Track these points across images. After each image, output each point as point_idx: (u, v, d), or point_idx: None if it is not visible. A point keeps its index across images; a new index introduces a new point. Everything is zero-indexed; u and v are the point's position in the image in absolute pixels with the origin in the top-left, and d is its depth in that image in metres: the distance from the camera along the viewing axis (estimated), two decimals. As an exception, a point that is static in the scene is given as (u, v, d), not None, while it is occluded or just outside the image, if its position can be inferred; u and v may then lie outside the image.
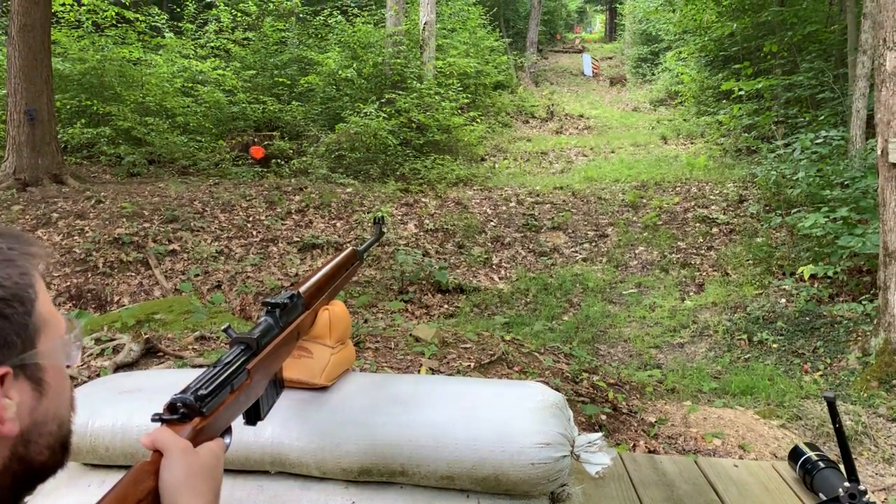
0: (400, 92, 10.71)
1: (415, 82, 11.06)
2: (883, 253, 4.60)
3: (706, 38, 11.88)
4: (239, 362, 0.91)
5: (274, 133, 10.51)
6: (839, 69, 9.08)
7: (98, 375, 3.20)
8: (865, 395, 4.23)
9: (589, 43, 28.45)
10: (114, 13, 11.13)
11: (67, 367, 0.69)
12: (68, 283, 5.72)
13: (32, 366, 0.63)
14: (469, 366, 3.68)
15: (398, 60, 11.34)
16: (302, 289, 1.19)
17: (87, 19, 10.97)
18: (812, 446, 1.71)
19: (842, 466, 1.52)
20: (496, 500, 1.25)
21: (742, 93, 9.04)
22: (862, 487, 1.43)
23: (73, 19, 10.91)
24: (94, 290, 5.74)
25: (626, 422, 3.70)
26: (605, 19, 34.64)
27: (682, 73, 14.13)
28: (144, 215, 6.86)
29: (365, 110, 10.01)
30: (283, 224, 7.30)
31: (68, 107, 10.06)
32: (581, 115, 16.08)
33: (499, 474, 1.20)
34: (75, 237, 6.34)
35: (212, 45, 12.71)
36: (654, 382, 4.59)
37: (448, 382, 1.53)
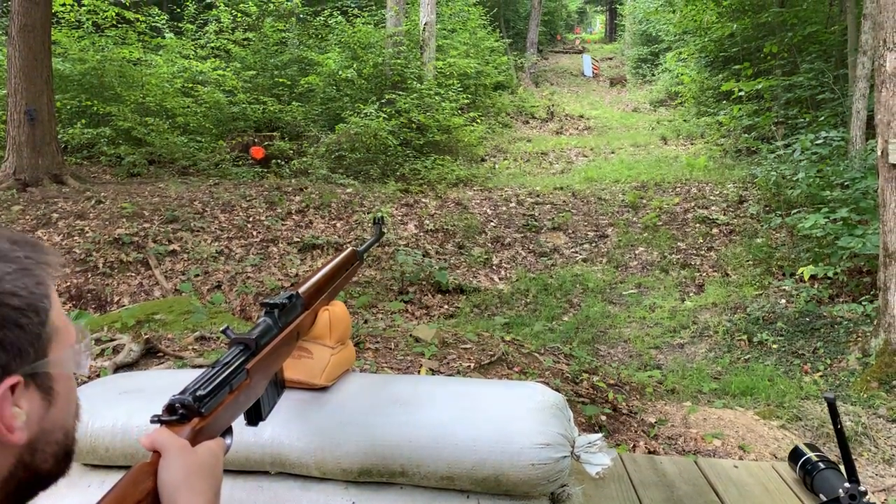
0: (400, 92, 10.71)
1: (415, 83, 11.06)
2: (883, 254, 4.60)
3: (706, 39, 11.88)
4: (238, 363, 0.91)
5: (274, 133, 10.51)
6: (839, 70, 9.08)
7: (98, 376, 3.20)
8: (865, 395, 4.23)
9: (589, 43, 28.47)
10: (114, 13, 11.13)
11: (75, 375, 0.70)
12: (68, 284, 5.72)
13: (43, 375, 0.63)
14: (469, 366, 3.68)
15: (398, 61, 11.34)
16: (301, 289, 1.19)
17: (88, 19, 10.96)
18: (812, 447, 1.71)
19: (842, 467, 1.52)
20: (496, 500, 1.25)
21: (742, 93, 9.04)
22: (862, 488, 1.43)
23: (73, 19, 10.91)
24: (94, 291, 5.74)
25: (626, 422, 3.70)
26: (605, 20, 34.65)
27: (682, 74, 14.14)
28: (144, 215, 6.86)
29: (365, 111, 10.01)
30: (283, 224, 7.30)
31: (68, 107, 10.06)
32: (581, 116, 16.09)
33: (499, 475, 1.20)
34: (75, 237, 6.34)
35: (212, 45, 12.71)
36: (654, 383, 4.59)
37: (448, 383, 1.53)
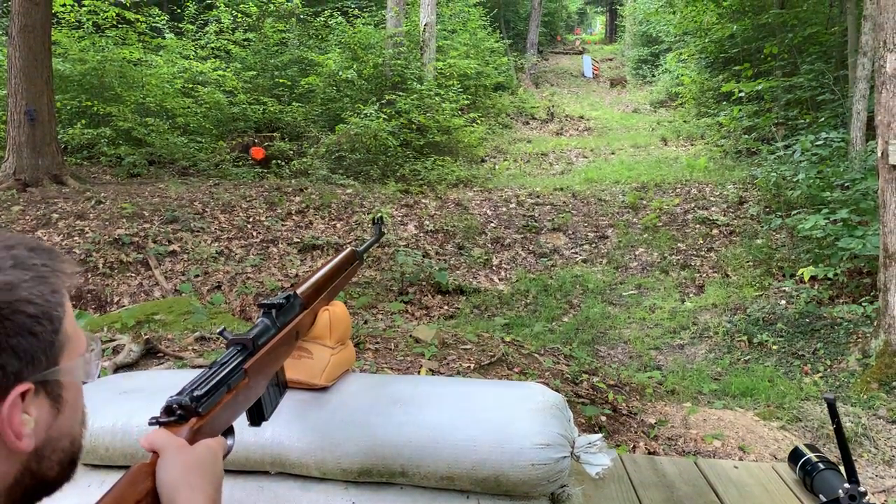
0: (400, 93, 10.71)
1: (415, 83, 11.06)
2: (883, 255, 4.60)
3: (706, 40, 11.88)
4: (235, 363, 0.91)
5: (274, 134, 10.51)
6: (839, 71, 9.08)
7: (98, 376, 3.20)
8: (865, 396, 4.23)
9: (589, 44, 28.49)
10: (114, 14, 11.13)
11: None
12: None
13: (53, 383, 0.63)
14: (469, 367, 3.68)
15: (398, 61, 11.35)
16: (299, 290, 1.19)
17: (88, 20, 10.96)
18: (812, 448, 1.72)
19: (842, 468, 1.52)
20: (496, 500, 1.25)
21: (742, 94, 9.04)
22: (862, 489, 1.43)
23: (73, 20, 10.91)
24: (94, 291, 5.74)
25: (626, 423, 3.70)
26: (605, 21, 34.67)
27: (682, 75, 14.15)
28: (144, 216, 6.86)
29: (365, 111, 10.01)
30: (283, 225, 7.30)
31: (69, 107, 10.06)
32: (581, 117, 16.10)
33: (499, 475, 1.20)
34: (75, 238, 6.34)
35: (212, 45, 12.71)
36: (654, 384, 4.59)
37: (448, 383, 1.53)
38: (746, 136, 10.11)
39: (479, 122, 12.46)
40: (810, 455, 1.67)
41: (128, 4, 11.52)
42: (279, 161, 9.73)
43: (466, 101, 12.14)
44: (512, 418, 1.25)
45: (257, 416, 0.99)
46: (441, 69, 12.39)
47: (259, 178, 9.14)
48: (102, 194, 7.40)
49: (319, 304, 1.28)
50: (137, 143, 9.83)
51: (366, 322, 5.32)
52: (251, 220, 7.25)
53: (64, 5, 10.61)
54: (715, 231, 7.73)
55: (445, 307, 6.41)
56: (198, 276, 6.12)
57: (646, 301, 6.52)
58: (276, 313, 1.07)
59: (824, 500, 1.54)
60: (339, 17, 12.63)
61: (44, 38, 7.81)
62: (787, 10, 10.06)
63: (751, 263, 6.79)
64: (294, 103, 11.03)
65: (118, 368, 3.27)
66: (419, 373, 3.52)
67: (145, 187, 8.15)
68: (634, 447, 3.44)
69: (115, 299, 5.71)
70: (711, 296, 6.35)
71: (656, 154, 11.85)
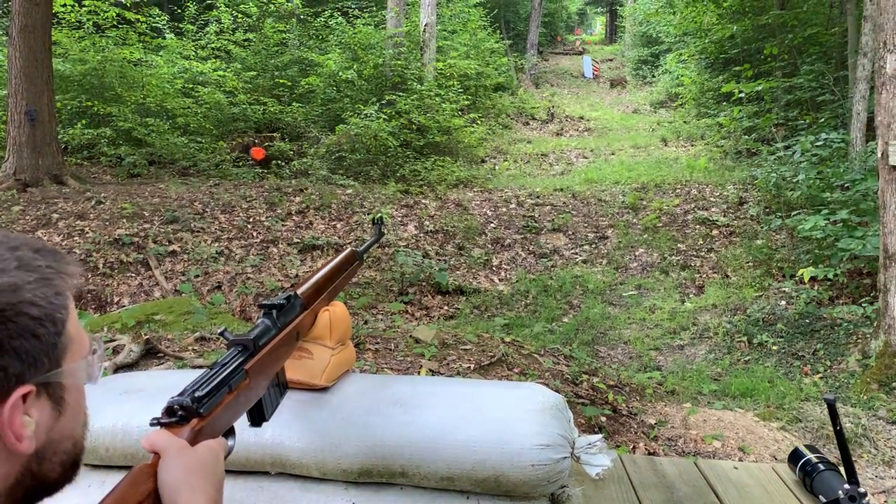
0: (400, 93, 10.72)
1: (415, 84, 11.07)
2: (883, 255, 4.60)
3: (706, 41, 11.88)
4: (236, 363, 0.91)
5: (274, 134, 10.52)
6: (839, 72, 9.09)
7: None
8: (865, 397, 4.23)
9: (589, 45, 28.49)
10: (114, 14, 11.13)
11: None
12: (68, 284, 5.72)
13: (55, 385, 0.63)
14: (469, 367, 3.68)
15: (399, 62, 11.35)
16: (299, 290, 1.19)
17: (88, 20, 10.97)
18: (812, 448, 1.72)
19: (842, 469, 1.52)
20: (496, 501, 1.25)
21: (742, 95, 9.04)
22: (862, 490, 1.44)
23: (73, 20, 10.91)
24: (94, 291, 5.74)
25: (625, 424, 3.70)
26: (605, 21, 34.67)
27: (682, 76, 14.15)
28: (145, 216, 6.86)
29: (365, 112, 10.01)
30: (283, 225, 7.30)
31: (69, 107, 10.06)
32: (581, 117, 16.09)
33: (499, 475, 1.20)
34: (75, 238, 6.34)
35: (212, 46, 12.71)
36: (654, 384, 4.59)
37: (448, 384, 1.53)
38: (746, 136, 10.11)
39: (479, 122, 12.46)
40: (810, 456, 1.67)
41: (128, 4, 11.52)
42: (279, 161, 9.73)
43: (466, 102, 12.14)
44: (512, 419, 1.25)
45: (258, 416, 0.99)
46: (441, 70, 12.39)
47: (259, 179, 9.14)
48: (102, 194, 7.40)
49: (320, 305, 1.28)
50: (138, 144, 9.83)
51: (366, 322, 5.32)
52: (251, 220, 7.25)
53: (64, 5, 10.61)
54: (715, 232, 7.73)
55: (445, 307, 6.41)
56: (198, 276, 6.12)
57: (646, 301, 6.52)
58: (276, 314, 1.07)
59: (824, 500, 1.54)
60: (340, 18, 12.64)
61: (44, 39, 7.81)
62: (787, 11, 10.07)
63: (751, 264, 6.79)
64: (294, 104, 11.03)
65: (118, 369, 3.27)
66: (419, 373, 3.52)
67: (145, 187, 8.16)
68: (634, 448, 3.44)
69: (116, 299, 5.71)
70: (711, 296, 6.36)
71: (656, 154, 11.85)
